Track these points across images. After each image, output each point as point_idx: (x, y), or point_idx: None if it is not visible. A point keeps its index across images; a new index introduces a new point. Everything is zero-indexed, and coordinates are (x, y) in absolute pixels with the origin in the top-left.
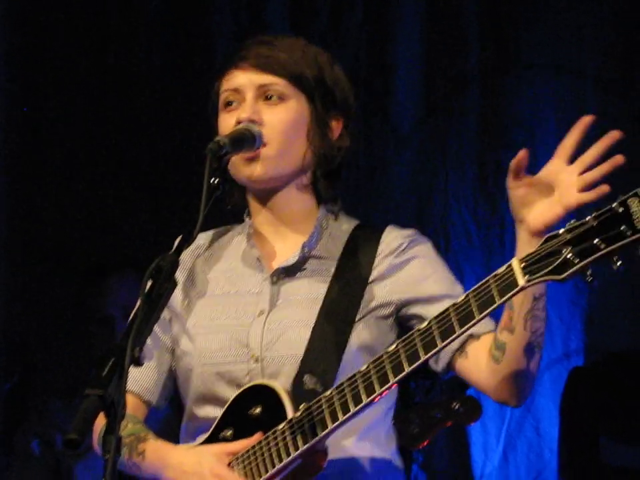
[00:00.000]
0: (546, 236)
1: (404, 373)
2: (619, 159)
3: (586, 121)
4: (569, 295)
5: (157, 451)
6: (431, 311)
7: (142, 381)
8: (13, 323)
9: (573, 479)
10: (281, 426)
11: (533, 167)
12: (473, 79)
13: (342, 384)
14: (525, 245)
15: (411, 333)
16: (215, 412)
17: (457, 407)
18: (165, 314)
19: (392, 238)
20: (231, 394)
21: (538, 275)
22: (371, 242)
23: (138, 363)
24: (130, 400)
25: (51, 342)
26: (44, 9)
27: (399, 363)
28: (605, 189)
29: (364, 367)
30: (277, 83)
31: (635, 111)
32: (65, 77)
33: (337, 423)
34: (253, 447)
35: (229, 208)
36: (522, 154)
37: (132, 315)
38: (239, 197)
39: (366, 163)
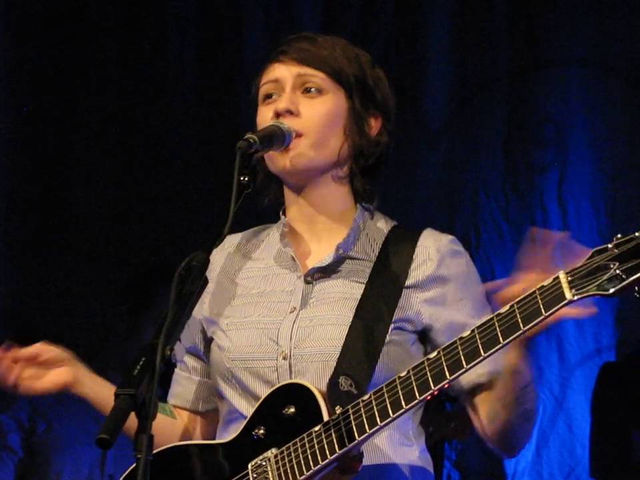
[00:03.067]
0: (592, 250)
1: (445, 381)
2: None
3: (534, 233)
4: None
5: None
6: (443, 339)
7: (183, 394)
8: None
9: (605, 476)
10: (316, 428)
11: (563, 164)
12: (503, 75)
13: (381, 389)
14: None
15: (453, 341)
16: (246, 405)
17: None
18: (196, 321)
19: (430, 243)
20: (260, 390)
21: (585, 289)
22: (408, 244)
23: (169, 362)
24: (182, 414)
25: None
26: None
27: (441, 371)
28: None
29: (404, 373)
30: (316, 75)
31: None
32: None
33: (375, 428)
34: (288, 447)
35: (266, 202)
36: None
37: (163, 314)
38: (276, 192)
39: (396, 158)
